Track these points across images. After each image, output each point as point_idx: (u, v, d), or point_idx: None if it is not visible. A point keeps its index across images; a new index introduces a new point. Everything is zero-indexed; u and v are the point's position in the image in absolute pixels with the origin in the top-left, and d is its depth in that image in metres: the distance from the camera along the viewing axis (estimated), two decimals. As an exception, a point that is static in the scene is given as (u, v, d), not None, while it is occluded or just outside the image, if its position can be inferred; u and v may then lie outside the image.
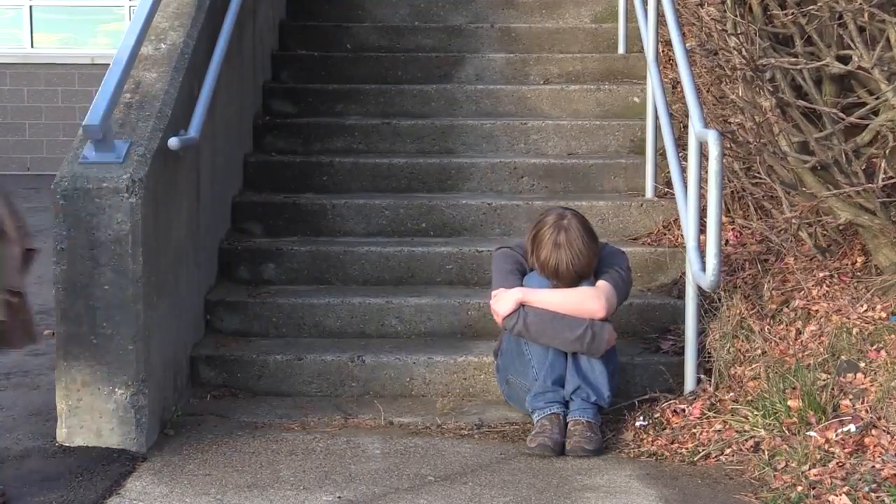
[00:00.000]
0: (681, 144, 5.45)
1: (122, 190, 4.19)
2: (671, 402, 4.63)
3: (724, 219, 5.22)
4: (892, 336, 4.44)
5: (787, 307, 4.82)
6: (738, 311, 4.80)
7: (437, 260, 5.38)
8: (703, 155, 4.72)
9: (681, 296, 5.05)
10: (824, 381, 4.37)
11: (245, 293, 5.34)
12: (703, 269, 4.49)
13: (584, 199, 5.80)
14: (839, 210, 4.79)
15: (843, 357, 4.46)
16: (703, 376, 4.72)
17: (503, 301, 4.51)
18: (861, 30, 4.57)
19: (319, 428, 4.60)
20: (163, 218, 4.49)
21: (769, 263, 5.07)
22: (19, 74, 12.88)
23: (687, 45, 5.32)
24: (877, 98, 4.67)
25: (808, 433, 4.17)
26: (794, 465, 4.03)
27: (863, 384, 4.32)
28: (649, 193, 5.85)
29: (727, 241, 5.32)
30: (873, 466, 3.91)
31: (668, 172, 5.21)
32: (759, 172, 5.13)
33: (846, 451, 4.03)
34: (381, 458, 4.27)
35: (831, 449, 4.06)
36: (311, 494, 3.93)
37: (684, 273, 4.82)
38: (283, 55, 7.03)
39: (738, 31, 5.07)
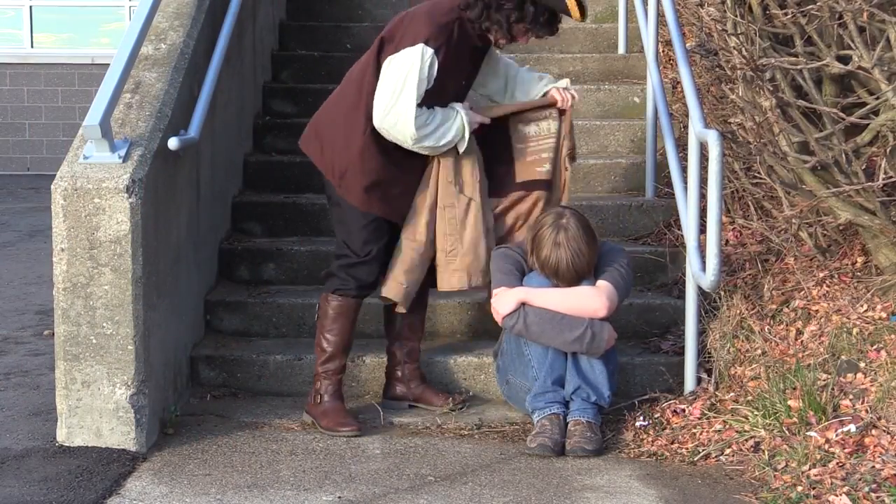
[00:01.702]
0: (681, 144, 5.45)
1: (122, 190, 4.19)
2: (671, 402, 4.63)
3: (725, 219, 5.22)
4: (892, 336, 4.44)
5: (787, 307, 4.82)
6: (738, 311, 4.80)
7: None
8: (703, 155, 4.72)
9: (681, 296, 5.05)
10: (824, 381, 4.37)
11: (245, 293, 5.35)
12: (704, 269, 4.50)
13: (584, 199, 5.80)
14: (839, 210, 4.79)
15: (843, 357, 4.46)
16: (703, 376, 4.72)
17: (504, 300, 4.51)
18: (861, 30, 4.57)
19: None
20: (163, 218, 4.49)
21: (769, 263, 5.07)
22: (19, 74, 12.88)
23: (687, 45, 5.33)
24: (877, 98, 4.68)
25: (808, 433, 4.17)
26: (794, 465, 4.03)
27: (863, 384, 4.32)
28: (649, 193, 5.85)
29: (727, 241, 5.32)
30: (873, 466, 3.91)
31: (668, 172, 5.21)
32: (759, 172, 5.13)
33: (846, 451, 4.03)
34: (381, 458, 4.27)
35: (831, 449, 4.06)
36: (311, 494, 3.93)
37: (684, 273, 4.82)
38: (283, 55, 7.03)
39: (738, 31, 5.07)
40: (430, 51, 4.35)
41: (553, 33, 4.63)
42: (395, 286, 4.60)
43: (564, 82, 4.73)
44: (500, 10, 4.42)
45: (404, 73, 4.35)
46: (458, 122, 4.48)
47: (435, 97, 4.44)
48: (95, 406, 4.25)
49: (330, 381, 4.59)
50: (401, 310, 4.62)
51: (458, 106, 4.51)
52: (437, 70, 4.37)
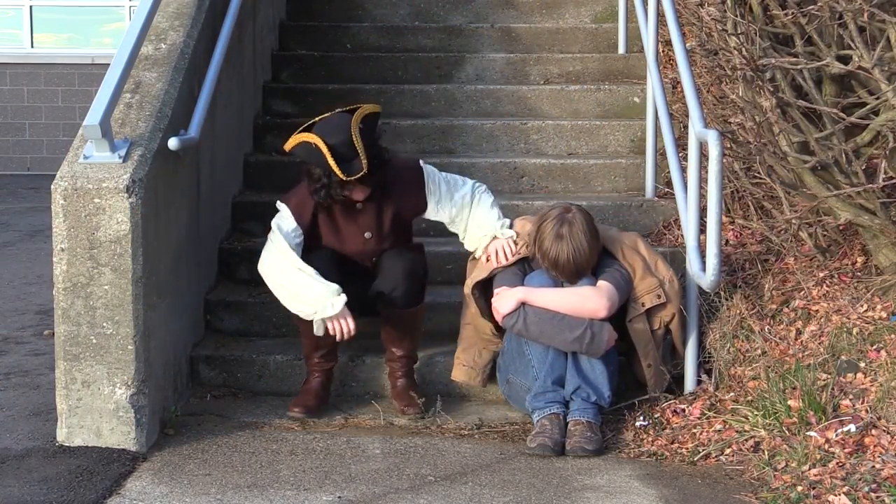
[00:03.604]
0: (681, 144, 5.45)
1: (122, 190, 4.19)
2: (671, 402, 4.63)
3: (724, 219, 5.22)
4: (892, 336, 4.44)
5: (787, 307, 4.81)
6: (738, 311, 4.80)
7: (438, 260, 5.37)
8: (703, 155, 4.72)
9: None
10: (824, 381, 4.37)
11: (245, 293, 5.34)
12: (703, 269, 4.50)
13: (584, 199, 5.79)
14: (839, 210, 4.79)
15: (843, 357, 4.45)
16: (703, 376, 4.72)
17: (504, 300, 4.52)
18: (861, 30, 4.57)
19: (319, 428, 4.60)
20: (163, 218, 4.49)
21: (769, 263, 5.07)
22: (19, 74, 12.88)
23: (687, 45, 5.33)
24: (877, 98, 4.68)
25: (808, 433, 4.17)
26: (794, 465, 4.03)
27: (863, 384, 4.32)
28: (649, 193, 5.85)
29: (727, 241, 5.32)
30: (873, 466, 3.91)
31: (668, 172, 5.21)
32: (759, 172, 5.13)
33: (846, 451, 4.03)
34: (381, 458, 4.27)
35: (831, 449, 4.06)
36: (311, 494, 3.93)
37: (684, 273, 4.82)
38: (283, 55, 7.03)
39: (739, 31, 5.07)
40: (282, 206, 4.77)
41: (353, 186, 4.64)
42: (458, 368, 4.81)
43: (510, 233, 4.76)
44: (311, 181, 4.68)
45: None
46: (321, 301, 4.56)
47: (333, 241, 4.77)
48: (95, 406, 4.25)
49: (309, 370, 4.79)
50: (476, 384, 4.81)
51: (337, 301, 4.55)
52: (303, 227, 4.71)
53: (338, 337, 4.60)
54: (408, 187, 4.81)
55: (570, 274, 4.49)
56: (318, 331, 4.58)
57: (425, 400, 4.73)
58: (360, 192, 4.67)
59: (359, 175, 4.56)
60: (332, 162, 4.53)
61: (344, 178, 4.55)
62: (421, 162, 4.91)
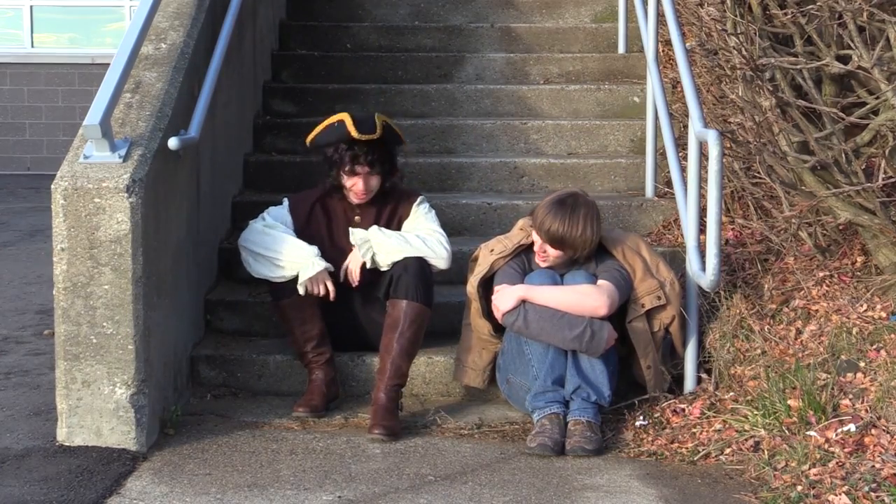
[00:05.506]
0: (681, 144, 5.45)
1: (122, 190, 4.19)
2: (671, 401, 4.63)
3: (724, 218, 5.22)
4: (892, 336, 4.44)
5: (787, 307, 4.82)
6: (738, 311, 4.80)
7: (437, 260, 5.38)
8: (703, 155, 4.73)
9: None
10: (824, 380, 4.37)
11: (245, 293, 5.34)
12: (703, 268, 4.50)
13: (584, 198, 5.80)
14: (839, 210, 4.79)
15: (843, 357, 4.46)
16: (703, 376, 4.72)
17: (504, 297, 4.52)
18: (861, 29, 4.58)
19: (319, 428, 4.61)
20: (163, 218, 4.49)
21: (769, 263, 5.07)
22: (19, 74, 12.87)
23: (687, 44, 5.33)
24: (877, 98, 4.68)
25: (808, 433, 4.17)
26: (794, 464, 4.03)
27: (863, 384, 4.32)
28: (649, 193, 5.85)
29: (727, 240, 5.32)
30: (873, 466, 3.91)
31: (668, 172, 5.21)
32: (759, 172, 5.14)
33: (846, 450, 4.03)
34: (381, 458, 4.28)
35: (831, 448, 4.06)
36: (311, 494, 3.93)
37: (684, 273, 4.82)
38: (283, 55, 7.04)
39: (738, 31, 5.08)
40: (285, 201, 5.00)
41: (361, 167, 4.85)
42: (460, 370, 4.82)
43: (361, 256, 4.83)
44: (326, 161, 4.90)
45: None
46: (301, 262, 4.75)
47: (324, 244, 4.84)
48: (96, 406, 4.25)
49: (307, 367, 4.80)
50: (478, 385, 4.80)
51: (317, 259, 4.74)
52: (297, 220, 4.90)
53: (320, 292, 4.73)
54: (402, 211, 4.96)
55: (555, 242, 4.49)
56: (301, 291, 4.74)
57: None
58: (363, 180, 4.83)
59: (371, 136, 4.79)
60: (350, 122, 4.80)
61: (356, 136, 4.77)
62: (422, 196, 5.03)
